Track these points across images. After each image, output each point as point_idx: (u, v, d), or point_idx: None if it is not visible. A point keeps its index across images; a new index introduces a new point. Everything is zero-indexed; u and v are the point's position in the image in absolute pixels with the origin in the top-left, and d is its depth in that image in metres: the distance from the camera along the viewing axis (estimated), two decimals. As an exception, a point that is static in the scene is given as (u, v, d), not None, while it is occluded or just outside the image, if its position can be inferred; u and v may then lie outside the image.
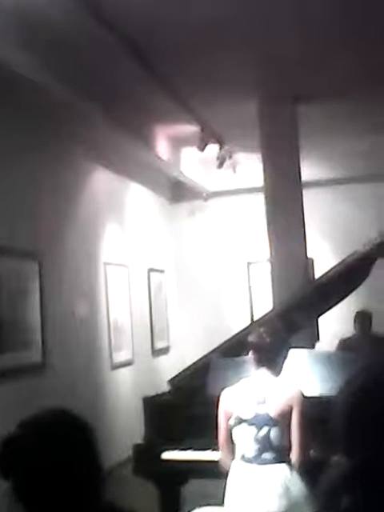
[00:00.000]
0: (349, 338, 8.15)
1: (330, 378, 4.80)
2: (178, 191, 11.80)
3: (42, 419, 2.00)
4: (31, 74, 6.10)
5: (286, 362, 4.32)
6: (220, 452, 4.32)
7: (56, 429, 1.97)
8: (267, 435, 4.06)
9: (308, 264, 8.36)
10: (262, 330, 4.32)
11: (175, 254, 11.83)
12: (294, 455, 4.05)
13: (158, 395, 5.68)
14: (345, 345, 7.97)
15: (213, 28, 6.15)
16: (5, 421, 2.09)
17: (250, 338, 4.34)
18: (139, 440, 5.36)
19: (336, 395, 2.09)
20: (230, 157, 9.64)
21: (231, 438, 4.20)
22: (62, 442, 1.94)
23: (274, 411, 4.06)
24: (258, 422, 4.07)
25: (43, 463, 1.90)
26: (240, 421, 4.13)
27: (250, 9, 5.83)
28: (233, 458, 4.21)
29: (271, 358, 4.20)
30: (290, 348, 4.35)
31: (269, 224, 7.97)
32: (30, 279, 7.02)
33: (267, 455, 4.05)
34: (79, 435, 1.99)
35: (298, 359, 4.93)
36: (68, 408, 2.06)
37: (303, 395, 4.12)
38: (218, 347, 5.73)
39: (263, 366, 4.20)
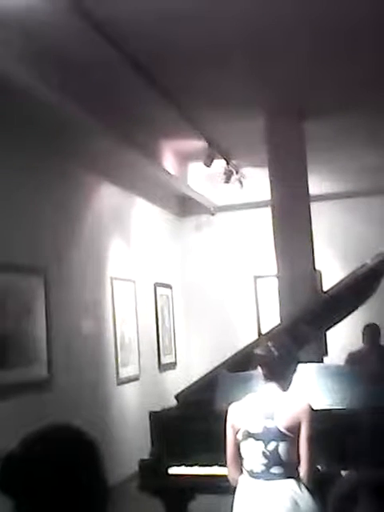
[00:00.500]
0: (357, 352, 8.09)
1: (339, 392, 4.75)
2: (185, 206, 11.82)
3: (46, 434, 1.95)
4: (37, 92, 6.12)
5: (295, 376, 4.27)
6: (228, 467, 4.27)
7: (60, 444, 1.93)
8: (276, 450, 4.00)
9: (316, 277, 8.33)
10: (269, 343, 4.27)
11: (182, 269, 11.81)
12: (303, 470, 3.99)
13: (164, 410, 5.64)
14: (353, 358, 7.91)
15: (219, 44, 6.17)
16: (10, 436, 2.04)
17: (258, 352, 4.30)
18: (145, 455, 5.32)
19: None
20: (237, 172, 9.65)
21: (239, 452, 4.15)
22: (66, 457, 1.89)
23: (282, 425, 4.00)
24: (266, 436, 4.02)
25: (46, 479, 1.85)
26: (248, 435, 4.08)
27: (256, 25, 5.84)
28: (240, 474, 4.16)
29: (279, 372, 4.15)
30: (298, 362, 4.30)
31: (276, 238, 7.96)
32: (35, 295, 7.00)
33: (275, 470, 4.00)
34: (84, 451, 1.94)
35: (306, 373, 4.89)
36: (72, 423, 2.02)
37: (312, 409, 4.07)
38: (225, 362, 5.69)
39: (271, 380, 4.16)
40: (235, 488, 4.14)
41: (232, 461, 4.21)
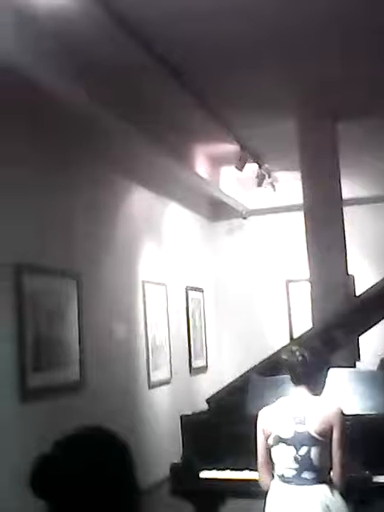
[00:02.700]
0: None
1: (372, 398, 4.71)
2: (217, 210, 11.82)
3: (79, 437, 1.96)
4: (69, 94, 6.15)
5: (326, 380, 4.25)
6: (259, 472, 4.25)
7: (93, 447, 1.93)
8: (307, 455, 3.98)
9: (349, 281, 8.28)
10: (294, 348, 4.26)
11: (214, 273, 11.81)
12: (335, 475, 3.96)
13: (195, 414, 5.63)
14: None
15: (251, 47, 6.17)
16: (42, 439, 2.05)
17: (282, 357, 4.29)
18: (177, 459, 5.32)
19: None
20: (269, 175, 9.63)
21: (270, 457, 4.13)
22: (99, 460, 1.90)
23: (313, 430, 3.98)
24: (297, 441, 4.00)
25: (79, 482, 1.85)
26: (279, 440, 4.06)
27: (287, 26, 5.83)
28: (271, 478, 4.14)
29: (307, 376, 4.13)
30: (329, 366, 4.27)
31: (309, 242, 7.92)
32: (68, 298, 7.03)
33: (307, 475, 3.97)
34: (116, 454, 1.94)
35: (338, 378, 4.85)
36: (105, 426, 2.02)
37: (343, 414, 4.04)
38: (256, 366, 5.67)
39: (302, 384, 4.14)
40: (266, 493, 4.12)
41: (263, 465, 4.19)
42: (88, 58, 6.01)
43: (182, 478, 5.16)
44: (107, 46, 5.82)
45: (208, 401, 5.74)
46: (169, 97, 7.03)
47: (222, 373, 10.93)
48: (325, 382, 4.20)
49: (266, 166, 9.41)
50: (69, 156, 7.24)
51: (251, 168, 9.07)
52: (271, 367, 5.35)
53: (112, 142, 7.75)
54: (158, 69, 6.26)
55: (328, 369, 4.25)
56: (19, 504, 5.18)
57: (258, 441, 4.18)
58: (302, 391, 4.13)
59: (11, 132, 6.22)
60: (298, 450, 3.99)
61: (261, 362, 5.66)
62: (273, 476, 4.13)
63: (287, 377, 4.34)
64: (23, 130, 6.45)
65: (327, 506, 3.90)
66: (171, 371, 9.54)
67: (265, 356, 5.76)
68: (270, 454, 4.12)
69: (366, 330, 5.91)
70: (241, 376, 5.67)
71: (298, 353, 4.16)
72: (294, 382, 4.17)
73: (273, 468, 4.12)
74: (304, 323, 8.16)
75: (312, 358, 4.16)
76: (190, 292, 10.62)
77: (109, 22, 5.29)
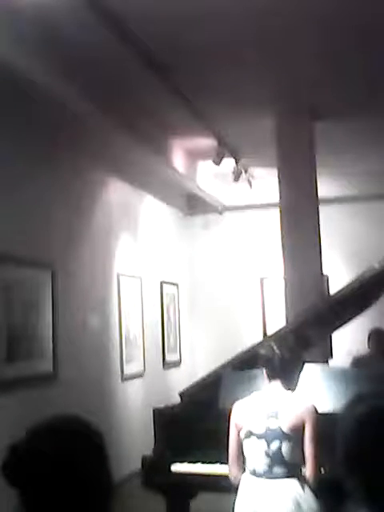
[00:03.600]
0: (362, 356, 8.09)
1: (344, 395, 4.75)
2: (193, 204, 11.81)
3: (52, 426, 1.96)
4: (48, 88, 6.14)
5: (300, 376, 4.28)
6: (229, 465, 4.28)
7: (66, 436, 1.93)
8: (278, 449, 4.01)
9: (323, 280, 8.33)
10: (272, 344, 4.29)
11: (189, 267, 11.81)
12: (307, 470, 4.00)
13: (168, 407, 5.65)
14: (358, 362, 7.90)
15: (230, 43, 6.17)
16: (14, 430, 2.05)
17: (260, 352, 4.32)
18: (149, 452, 5.34)
19: (344, 412, 2.07)
20: (246, 171, 9.65)
21: (242, 451, 4.16)
22: (72, 449, 1.90)
23: (285, 425, 4.01)
24: (268, 435, 4.03)
25: (52, 471, 1.86)
26: (250, 434, 4.09)
27: (267, 24, 5.84)
28: (242, 472, 4.17)
29: (282, 371, 4.16)
30: (304, 363, 4.31)
31: (284, 239, 7.94)
32: (42, 289, 7.02)
33: (278, 470, 4.01)
34: (90, 443, 1.95)
35: (311, 375, 4.89)
36: (79, 415, 2.03)
37: (316, 410, 4.08)
38: (230, 361, 5.69)
39: (276, 379, 4.17)
40: (237, 486, 4.15)
41: (234, 459, 4.22)
42: (68, 51, 5.99)
43: (154, 470, 5.17)
44: (87, 38, 5.80)
45: (181, 394, 5.75)
46: (148, 91, 7.03)
47: (195, 367, 10.96)
48: (299, 378, 4.24)
49: (243, 161, 9.42)
50: (45, 148, 7.21)
51: (229, 163, 9.08)
52: (246, 362, 5.37)
53: (90, 133, 7.73)
54: (138, 62, 6.25)
55: (303, 365, 4.29)
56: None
57: (231, 434, 4.21)
58: (276, 386, 4.16)
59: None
60: (269, 445, 4.02)
61: (235, 357, 5.68)
62: (244, 470, 4.16)
63: (260, 371, 4.37)
64: (1, 122, 6.42)
65: (298, 501, 3.93)
66: (144, 364, 9.54)
67: (238, 351, 5.78)
68: (242, 448, 4.15)
69: (338, 328, 5.95)
70: (214, 370, 5.69)
71: (275, 348, 4.19)
72: (269, 377, 4.20)
73: (244, 462, 4.15)
74: (278, 320, 8.20)
75: (288, 353, 4.19)
76: (164, 286, 10.63)
77: (92, 14, 5.28)
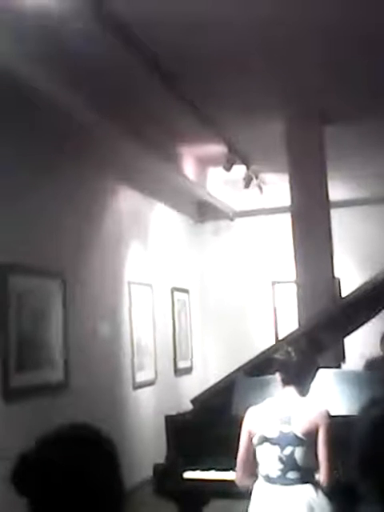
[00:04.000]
0: (375, 359, 8.02)
1: (357, 398, 4.70)
2: (203, 211, 11.80)
3: (63, 435, 1.93)
4: (55, 97, 6.14)
5: (313, 381, 4.24)
6: (237, 471, 4.25)
7: (77, 444, 1.90)
8: (292, 455, 3.97)
9: (335, 284, 8.28)
10: (289, 348, 4.24)
11: (200, 274, 11.79)
12: (321, 475, 3.95)
13: (180, 414, 5.61)
14: (371, 365, 7.84)
15: (240, 49, 6.17)
16: (26, 439, 2.02)
17: (277, 357, 4.27)
18: (161, 460, 5.30)
19: (358, 415, 2.03)
20: (257, 177, 9.63)
21: (254, 457, 4.12)
22: (83, 457, 1.87)
23: (299, 430, 3.97)
24: (282, 441, 3.99)
25: (62, 479, 1.82)
26: (264, 440, 4.05)
27: (276, 30, 5.84)
28: (250, 478, 4.13)
29: (298, 376, 4.12)
30: (317, 368, 4.27)
31: (295, 244, 7.92)
32: (52, 298, 6.99)
33: (292, 475, 3.96)
34: (101, 449, 1.92)
35: (324, 379, 4.84)
36: (89, 423, 1.99)
37: (329, 415, 4.03)
38: (242, 366, 5.65)
39: (290, 384, 4.13)
40: (250, 493, 4.11)
41: (242, 463, 4.19)
42: (74, 58, 5.97)
43: (166, 478, 5.14)
44: (94, 45, 5.78)
45: (193, 401, 5.72)
46: (157, 98, 7.01)
47: (207, 374, 10.91)
48: (311, 382, 4.20)
49: (254, 167, 9.41)
50: (56, 157, 7.20)
51: (239, 170, 9.05)
52: (258, 368, 5.33)
53: (98, 142, 7.72)
54: (147, 70, 6.24)
55: (316, 369, 4.25)
56: (3, 502, 5.15)
57: (242, 439, 4.17)
58: (289, 391, 4.12)
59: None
60: (282, 450, 3.98)
61: (248, 362, 5.64)
62: (256, 476, 4.12)
63: (273, 377, 4.33)
64: (5, 128, 6.41)
65: (312, 507, 3.89)
66: (156, 372, 9.51)
67: (250, 357, 5.74)
68: (255, 454, 4.11)
69: (351, 332, 5.90)
70: (226, 377, 5.65)
71: (292, 353, 4.15)
72: (283, 382, 4.16)
73: (257, 468, 4.11)
74: (289, 325, 8.15)
75: (304, 358, 4.16)
76: (175, 293, 10.60)
77: (98, 21, 5.27)
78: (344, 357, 9.26)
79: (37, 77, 5.75)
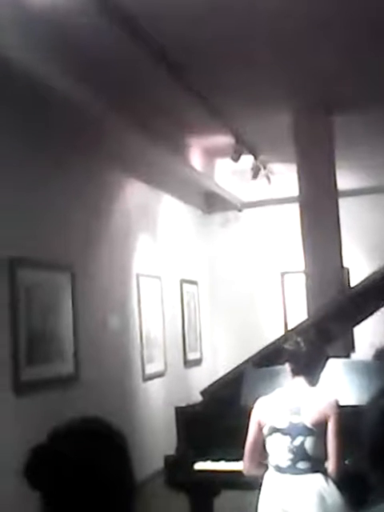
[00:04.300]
0: (385, 349, 8.02)
1: (367, 388, 4.70)
2: (211, 202, 11.79)
3: (75, 427, 1.94)
4: (63, 91, 6.14)
5: (323, 371, 4.24)
6: (244, 460, 4.26)
7: (88, 437, 1.91)
8: (302, 445, 3.98)
9: (343, 274, 8.27)
10: (298, 338, 4.25)
11: (208, 265, 11.79)
12: (331, 465, 3.96)
13: (190, 406, 5.61)
14: (381, 355, 7.83)
15: (246, 40, 6.15)
16: (36, 433, 2.03)
17: (287, 347, 4.28)
18: (171, 451, 5.31)
19: (368, 405, 2.03)
20: (265, 167, 9.60)
21: (263, 447, 4.13)
22: (95, 450, 1.88)
23: (309, 420, 3.98)
24: (292, 431, 4.00)
25: (75, 473, 1.84)
26: (274, 430, 4.06)
27: (282, 20, 5.82)
28: (258, 468, 4.15)
29: (308, 366, 4.13)
30: (327, 357, 4.27)
31: (304, 234, 7.91)
32: (62, 291, 7.01)
33: (302, 465, 3.97)
34: (112, 442, 1.93)
35: (333, 369, 4.84)
36: (100, 416, 2.00)
37: (339, 405, 4.04)
38: (251, 357, 5.66)
39: (299, 375, 4.14)
40: (261, 483, 4.12)
41: (250, 452, 4.21)
42: (82, 51, 5.97)
43: (177, 469, 5.15)
44: (102, 37, 5.78)
45: (202, 393, 5.72)
46: (164, 90, 7.00)
47: (216, 365, 10.93)
48: (321, 372, 4.21)
49: (262, 157, 9.39)
50: (63, 150, 7.20)
51: (247, 160, 9.04)
52: (267, 358, 5.33)
53: (106, 135, 7.71)
54: (154, 62, 6.23)
55: (325, 359, 4.25)
56: (16, 495, 5.18)
57: (250, 429, 4.18)
58: (299, 382, 4.13)
59: (2, 125, 6.21)
60: (292, 440, 3.99)
61: (257, 353, 5.64)
62: (263, 466, 4.13)
63: (282, 368, 4.34)
64: (14, 122, 6.42)
65: (322, 496, 3.90)
66: (165, 364, 9.53)
67: (259, 348, 5.74)
68: (264, 445, 4.12)
69: (360, 321, 5.90)
70: (235, 368, 5.65)
71: (302, 343, 4.15)
72: (293, 372, 4.16)
73: (266, 458, 4.12)
74: (299, 315, 8.14)
75: (313, 348, 4.16)
76: (184, 285, 10.61)
77: (105, 17, 5.26)
78: (353, 346, 9.26)
79: (44, 70, 5.75)
